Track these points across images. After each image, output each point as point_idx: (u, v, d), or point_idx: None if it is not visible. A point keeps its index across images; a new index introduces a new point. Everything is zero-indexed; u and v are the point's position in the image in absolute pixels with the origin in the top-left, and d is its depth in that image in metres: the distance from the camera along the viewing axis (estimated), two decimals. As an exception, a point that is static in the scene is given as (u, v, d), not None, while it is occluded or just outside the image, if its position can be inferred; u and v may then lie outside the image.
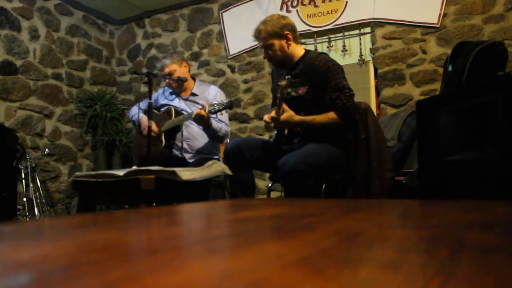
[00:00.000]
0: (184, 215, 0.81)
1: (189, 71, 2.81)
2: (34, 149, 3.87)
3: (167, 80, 2.70)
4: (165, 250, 0.38)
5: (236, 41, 4.07)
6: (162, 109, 2.78)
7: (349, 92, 1.97)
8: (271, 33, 2.04)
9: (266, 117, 2.05)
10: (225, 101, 2.31)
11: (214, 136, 2.57)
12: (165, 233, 0.50)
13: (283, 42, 2.06)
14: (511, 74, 1.53)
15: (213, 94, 2.71)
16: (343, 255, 0.36)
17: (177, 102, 2.75)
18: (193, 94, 2.74)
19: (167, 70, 2.68)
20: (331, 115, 1.95)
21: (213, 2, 4.23)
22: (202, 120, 2.36)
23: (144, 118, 2.61)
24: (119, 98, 4.75)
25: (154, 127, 2.58)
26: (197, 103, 2.66)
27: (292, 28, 2.10)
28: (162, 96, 2.86)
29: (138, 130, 2.82)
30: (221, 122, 2.59)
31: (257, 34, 2.09)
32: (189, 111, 2.63)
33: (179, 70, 2.71)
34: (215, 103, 2.31)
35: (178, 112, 2.66)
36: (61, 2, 4.22)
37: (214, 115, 2.40)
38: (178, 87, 2.71)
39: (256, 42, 2.17)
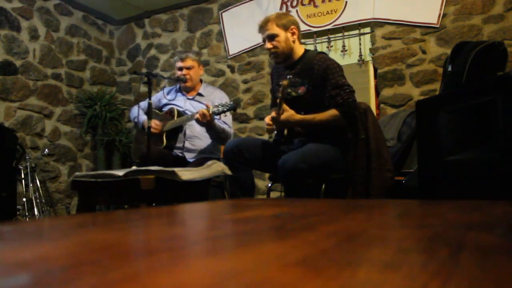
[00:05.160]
0: (183, 215, 0.81)
1: (201, 75, 2.85)
2: (34, 149, 3.87)
3: (180, 72, 2.70)
4: (165, 250, 0.38)
5: (235, 41, 4.07)
6: (165, 109, 2.78)
7: (349, 88, 1.97)
8: (279, 24, 2.06)
9: (268, 120, 2.05)
10: (230, 103, 2.31)
11: (216, 137, 2.58)
12: (165, 233, 0.50)
13: (289, 35, 2.08)
14: (511, 74, 1.53)
15: (219, 97, 2.74)
16: (343, 255, 0.36)
17: (182, 102, 2.76)
18: (199, 94, 2.77)
19: (188, 62, 2.70)
20: (332, 112, 1.94)
21: (213, 2, 4.23)
22: (205, 122, 2.35)
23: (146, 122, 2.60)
24: (119, 98, 4.75)
25: (156, 123, 2.59)
26: (202, 103, 2.68)
27: (298, 26, 2.13)
28: (164, 95, 2.86)
29: (138, 128, 2.82)
30: (225, 124, 2.59)
31: (264, 24, 2.10)
32: (194, 110, 2.64)
33: (196, 69, 2.76)
34: (219, 104, 2.31)
35: (181, 113, 2.66)
36: (61, 2, 4.22)
37: (217, 116, 2.42)
38: (189, 81, 2.73)
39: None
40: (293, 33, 2.08)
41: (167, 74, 4.31)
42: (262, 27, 2.11)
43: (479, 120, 1.58)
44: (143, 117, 2.68)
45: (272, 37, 2.08)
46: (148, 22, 4.65)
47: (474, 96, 1.62)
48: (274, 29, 2.07)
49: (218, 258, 0.33)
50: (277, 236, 0.50)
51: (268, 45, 2.10)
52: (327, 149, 1.96)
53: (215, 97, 2.73)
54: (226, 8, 4.13)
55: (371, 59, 3.48)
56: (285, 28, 2.07)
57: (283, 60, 2.14)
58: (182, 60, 2.71)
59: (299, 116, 1.95)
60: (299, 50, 2.13)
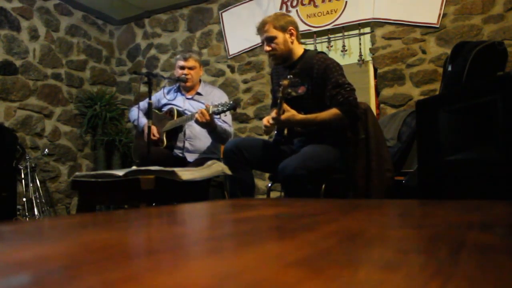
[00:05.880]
0: (184, 215, 0.81)
1: (200, 76, 2.85)
2: (34, 149, 3.87)
3: (182, 71, 2.70)
4: (165, 250, 0.38)
5: (235, 41, 4.07)
6: (164, 109, 2.78)
7: (349, 87, 1.97)
8: (277, 26, 2.05)
9: (265, 121, 2.04)
10: (230, 102, 2.30)
11: (219, 137, 2.58)
12: (165, 233, 0.50)
13: (287, 36, 2.07)
14: (511, 74, 1.53)
15: (218, 96, 2.73)
16: (343, 255, 0.36)
17: (181, 101, 2.75)
18: (198, 94, 2.76)
19: (191, 62, 2.70)
20: (334, 111, 1.93)
21: (213, 2, 4.23)
22: (204, 121, 2.34)
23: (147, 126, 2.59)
24: (119, 98, 4.75)
25: (154, 131, 2.59)
26: (201, 102, 2.68)
27: (296, 26, 2.11)
28: (164, 95, 2.86)
29: (138, 131, 2.82)
30: (225, 123, 2.59)
31: (262, 26, 2.08)
32: (193, 110, 2.64)
33: (197, 70, 2.76)
34: (219, 104, 2.30)
35: (180, 113, 2.66)
36: (61, 2, 4.22)
37: (217, 116, 2.41)
38: (190, 81, 2.72)
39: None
40: (291, 34, 2.08)
41: (167, 74, 4.31)
42: (260, 30, 2.10)
43: (479, 120, 1.58)
44: (144, 120, 2.68)
45: (270, 40, 2.07)
46: (148, 22, 4.65)
47: (474, 96, 1.62)
48: (272, 31, 2.05)
49: (218, 258, 0.33)
50: (277, 236, 0.50)
51: (267, 47, 2.09)
52: (327, 150, 1.96)
53: (214, 96, 2.73)
54: (226, 8, 4.13)
55: (371, 59, 3.48)
56: (283, 29, 2.06)
57: (282, 62, 2.14)
58: (186, 59, 2.70)
59: (300, 116, 1.94)
60: (298, 50, 2.12)
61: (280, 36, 2.06)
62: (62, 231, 0.55)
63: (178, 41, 4.44)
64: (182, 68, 2.70)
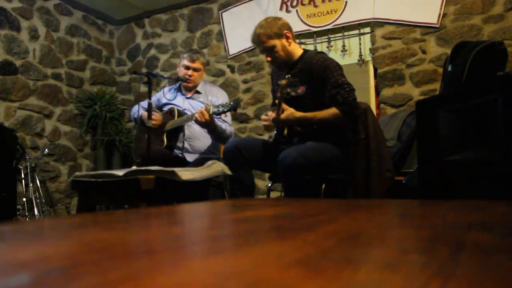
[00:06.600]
0: (184, 215, 0.81)
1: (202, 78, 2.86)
2: (34, 149, 3.87)
3: (186, 70, 2.70)
4: (165, 250, 0.38)
5: (235, 41, 4.07)
6: (164, 109, 2.78)
7: (349, 87, 1.97)
8: (271, 35, 2.03)
9: (264, 116, 2.04)
10: (230, 103, 2.30)
11: (219, 137, 2.58)
12: (165, 233, 0.50)
13: (284, 41, 2.06)
14: (511, 74, 1.53)
15: (216, 94, 2.74)
16: (343, 255, 0.36)
17: (181, 101, 2.75)
18: (197, 92, 2.76)
19: (197, 64, 2.71)
20: (333, 110, 1.94)
21: (213, 2, 4.23)
22: (206, 122, 2.34)
23: (145, 114, 2.60)
24: (119, 98, 4.75)
25: (156, 115, 2.58)
26: (200, 101, 2.68)
27: (289, 27, 2.11)
28: (164, 95, 2.86)
29: (139, 128, 2.82)
30: (225, 123, 2.59)
31: (257, 39, 2.07)
32: (192, 110, 2.64)
33: (201, 72, 2.77)
34: (220, 105, 2.30)
35: (181, 113, 2.66)
36: (61, 2, 4.22)
37: (218, 116, 2.41)
38: (192, 82, 2.72)
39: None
40: (287, 38, 2.06)
41: (167, 74, 4.31)
42: (255, 43, 2.09)
43: (479, 120, 1.58)
44: (141, 111, 2.68)
45: (269, 50, 2.06)
46: (148, 22, 4.65)
47: (474, 96, 1.62)
48: (268, 42, 2.04)
49: (218, 258, 0.33)
50: (277, 236, 0.50)
51: (268, 58, 2.09)
52: (327, 147, 1.96)
53: (212, 95, 2.73)
54: (226, 8, 4.13)
55: (371, 59, 3.48)
56: (279, 36, 2.04)
57: (285, 66, 2.13)
58: (193, 61, 2.69)
59: (299, 114, 1.95)
60: (297, 50, 2.12)
61: (278, 43, 2.04)
62: (62, 231, 0.55)
63: (178, 41, 4.44)
64: (187, 68, 2.70)
